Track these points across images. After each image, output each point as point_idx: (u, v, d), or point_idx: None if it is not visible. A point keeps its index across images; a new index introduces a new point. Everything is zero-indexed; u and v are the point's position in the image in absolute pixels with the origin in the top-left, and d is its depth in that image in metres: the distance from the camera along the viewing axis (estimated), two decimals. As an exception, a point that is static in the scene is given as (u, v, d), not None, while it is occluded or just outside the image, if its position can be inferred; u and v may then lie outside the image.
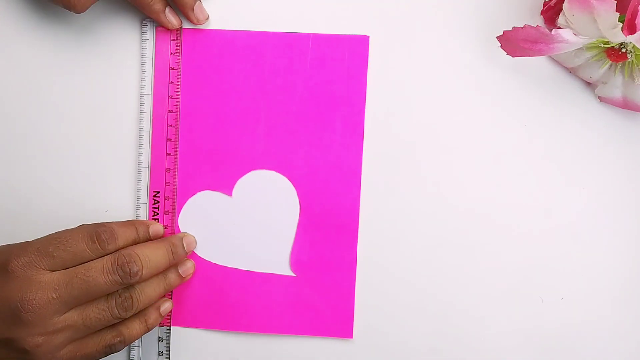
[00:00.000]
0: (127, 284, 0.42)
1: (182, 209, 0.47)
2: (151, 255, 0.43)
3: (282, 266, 0.48)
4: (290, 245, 0.47)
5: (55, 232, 0.42)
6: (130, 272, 0.41)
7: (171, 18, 0.45)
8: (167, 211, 0.47)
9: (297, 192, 0.47)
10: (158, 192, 0.47)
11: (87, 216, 0.48)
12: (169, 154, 0.47)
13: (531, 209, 0.47)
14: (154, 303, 0.45)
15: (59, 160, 0.48)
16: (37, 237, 0.44)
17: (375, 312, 0.48)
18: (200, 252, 0.48)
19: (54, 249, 0.41)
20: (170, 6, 0.45)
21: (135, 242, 0.44)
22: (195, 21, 0.46)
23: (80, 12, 0.44)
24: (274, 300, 0.48)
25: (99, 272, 0.41)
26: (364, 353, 0.48)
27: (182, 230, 0.47)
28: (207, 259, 0.48)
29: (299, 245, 0.47)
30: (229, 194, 0.47)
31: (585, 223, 0.47)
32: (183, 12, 0.45)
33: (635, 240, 0.48)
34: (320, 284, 0.47)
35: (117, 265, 0.41)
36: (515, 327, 0.48)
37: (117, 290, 0.42)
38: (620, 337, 0.48)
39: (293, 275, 0.48)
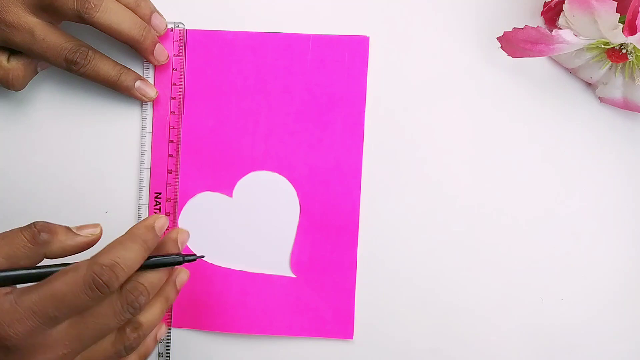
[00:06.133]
0: (137, 314, 0.40)
1: (182, 210, 0.47)
2: (154, 280, 0.40)
3: (282, 267, 0.48)
4: (291, 246, 0.47)
5: (47, 285, 0.36)
6: (140, 306, 0.39)
7: (144, 91, 0.46)
8: (168, 213, 0.47)
9: (297, 193, 0.47)
10: (159, 194, 0.47)
11: (90, 218, 0.47)
12: (171, 156, 0.47)
13: (531, 209, 0.47)
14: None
15: (61, 161, 0.48)
16: None
17: (376, 312, 0.48)
18: (201, 252, 0.47)
19: (54, 310, 0.36)
20: (142, 77, 0.46)
21: (145, 257, 0.39)
22: (156, 63, 0.46)
23: (19, 90, 0.45)
24: (274, 302, 0.47)
25: (110, 317, 0.38)
26: (365, 354, 0.48)
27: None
28: (207, 261, 0.47)
29: (299, 246, 0.47)
30: (229, 195, 0.47)
31: (585, 223, 0.47)
32: (144, 57, 0.46)
33: (635, 240, 0.48)
34: (321, 284, 0.47)
35: (127, 304, 0.38)
36: (515, 328, 0.48)
37: (125, 331, 0.39)
38: (620, 337, 0.48)
39: (293, 276, 0.48)
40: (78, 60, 0.43)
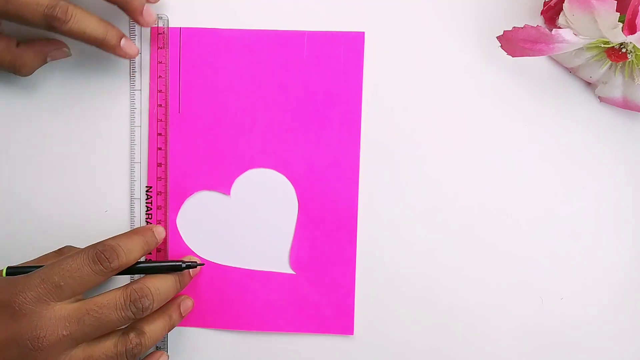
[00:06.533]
0: (139, 318, 0.41)
1: (180, 209, 0.47)
2: (161, 287, 0.42)
3: (281, 264, 0.48)
4: (290, 243, 0.48)
5: (56, 260, 0.41)
6: (142, 307, 0.41)
7: (127, 50, 0.45)
8: (160, 206, 0.47)
9: (295, 189, 0.47)
10: (150, 187, 0.47)
11: (85, 216, 0.48)
12: (160, 149, 0.47)
13: (531, 209, 0.47)
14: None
15: (53, 160, 0.48)
16: (31, 237, 0.46)
17: (376, 308, 0.48)
18: (200, 251, 0.48)
19: (60, 278, 0.39)
20: (125, 36, 0.45)
21: (145, 252, 0.44)
22: (145, 24, 0.45)
23: (26, 76, 0.45)
24: (273, 299, 0.48)
25: (112, 309, 0.40)
26: (365, 350, 0.48)
27: (180, 230, 0.48)
28: (207, 258, 0.48)
29: (298, 243, 0.48)
30: (227, 193, 0.47)
31: (585, 223, 0.47)
32: (133, 17, 0.45)
33: (635, 240, 0.47)
34: (320, 281, 0.48)
35: (130, 301, 0.41)
36: (515, 327, 0.48)
37: (128, 335, 0.41)
38: (620, 337, 0.48)
39: (293, 273, 0.48)
40: (58, 15, 0.41)
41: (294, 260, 0.48)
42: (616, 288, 0.48)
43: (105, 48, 0.44)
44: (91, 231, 0.48)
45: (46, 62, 0.46)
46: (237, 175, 0.47)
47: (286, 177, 0.47)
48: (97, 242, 0.42)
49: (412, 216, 0.47)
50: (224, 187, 0.47)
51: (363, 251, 0.48)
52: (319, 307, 0.48)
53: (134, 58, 0.46)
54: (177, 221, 0.48)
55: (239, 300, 0.48)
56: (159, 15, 0.47)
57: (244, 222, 0.47)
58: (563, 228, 0.47)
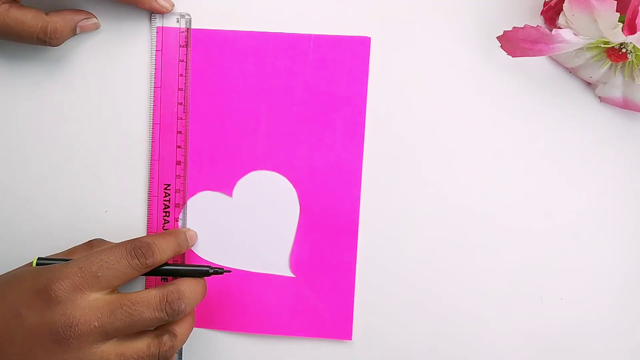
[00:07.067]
0: (172, 320, 0.41)
1: (182, 209, 0.47)
2: (194, 292, 0.42)
3: (281, 267, 0.48)
4: (290, 246, 0.47)
5: (94, 251, 0.41)
6: (178, 310, 0.41)
7: (163, 3, 0.45)
8: (178, 204, 0.47)
9: (298, 192, 0.47)
10: (169, 185, 0.47)
11: (102, 213, 0.48)
12: (179, 147, 0.47)
13: (531, 209, 0.47)
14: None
15: (70, 157, 0.47)
16: (49, 235, 0.47)
17: (375, 313, 0.48)
18: (200, 252, 0.48)
19: (98, 268, 0.40)
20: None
21: (176, 253, 0.44)
22: (164, 10, 0.45)
23: (56, 45, 0.45)
24: (273, 301, 0.47)
25: (145, 307, 0.40)
26: (363, 355, 0.48)
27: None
28: (207, 259, 0.47)
29: (298, 246, 0.47)
30: (229, 194, 0.47)
31: (585, 223, 0.47)
32: (149, 8, 0.45)
33: (635, 240, 0.48)
34: (320, 285, 0.47)
35: (166, 302, 0.41)
36: (515, 327, 0.48)
37: (162, 337, 0.41)
38: (620, 337, 0.48)
39: (293, 276, 0.48)
40: None
41: (294, 263, 0.47)
42: (616, 288, 0.48)
43: (141, 4, 0.45)
44: (105, 228, 0.48)
45: (76, 34, 0.45)
46: (240, 177, 0.47)
47: (289, 179, 0.47)
48: (133, 238, 0.42)
49: (413, 220, 0.47)
50: (227, 188, 0.47)
51: (363, 256, 0.47)
52: (317, 311, 0.48)
53: (170, 11, 0.46)
54: (179, 220, 0.48)
55: (238, 302, 0.48)
56: (182, 14, 0.47)
57: (245, 224, 0.47)
58: (563, 228, 0.47)
